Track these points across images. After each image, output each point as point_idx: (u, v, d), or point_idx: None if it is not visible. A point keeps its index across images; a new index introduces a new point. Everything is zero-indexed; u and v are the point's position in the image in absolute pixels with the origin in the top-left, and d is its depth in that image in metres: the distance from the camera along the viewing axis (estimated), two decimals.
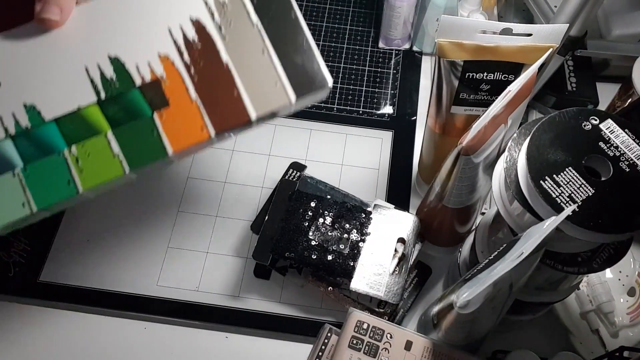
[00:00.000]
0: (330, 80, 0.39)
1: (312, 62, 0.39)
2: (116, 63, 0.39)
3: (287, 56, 0.39)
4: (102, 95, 0.38)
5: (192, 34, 0.39)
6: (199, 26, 0.39)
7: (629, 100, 0.56)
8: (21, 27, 0.39)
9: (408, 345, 0.45)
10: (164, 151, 0.38)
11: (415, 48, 0.72)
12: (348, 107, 0.67)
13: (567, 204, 0.35)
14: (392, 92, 0.68)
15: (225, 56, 0.39)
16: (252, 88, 0.39)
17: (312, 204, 0.53)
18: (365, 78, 0.69)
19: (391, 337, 0.45)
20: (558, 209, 0.35)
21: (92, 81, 0.38)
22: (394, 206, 0.54)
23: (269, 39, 0.39)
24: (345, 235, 0.52)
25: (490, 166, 0.46)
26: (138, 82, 0.38)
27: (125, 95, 0.38)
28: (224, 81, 0.39)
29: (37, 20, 0.38)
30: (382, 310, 0.52)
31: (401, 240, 0.52)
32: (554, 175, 0.36)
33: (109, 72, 0.39)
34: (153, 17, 0.39)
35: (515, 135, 0.40)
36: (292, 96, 0.39)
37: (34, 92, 0.38)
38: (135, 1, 0.40)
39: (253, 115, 0.39)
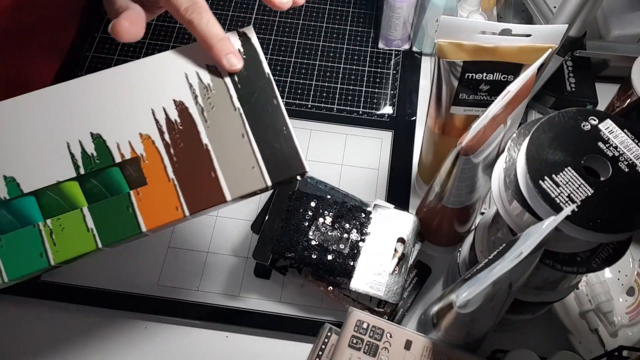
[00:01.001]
0: (306, 167, 0.40)
1: (290, 148, 0.40)
2: (98, 140, 0.39)
3: (266, 141, 0.40)
4: (82, 170, 0.38)
5: (174, 115, 0.40)
6: (182, 108, 0.40)
7: (628, 101, 0.56)
8: (6, 101, 0.39)
9: (408, 345, 0.45)
10: (138, 228, 0.38)
11: (415, 48, 0.72)
12: (348, 107, 0.67)
13: (566, 204, 0.35)
14: (392, 92, 0.68)
15: (205, 139, 0.40)
16: (230, 171, 0.39)
17: (312, 204, 0.53)
18: (365, 78, 0.69)
19: (391, 336, 0.45)
20: (557, 209, 0.35)
21: (72, 156, 0.39)
22: (393, 206, 0.55)
23: (249, 124, 0.40)
24: (345, 235, 0.52)
25: (489, 166, 0.46)
26: (118, 159, 0.39)
27: (104, 172, 0.39)
28: (202, 162, 0.39)
29: (112, 31, 0.39)
30: (382, 309, 0.52)
31: (401, 240, 0.53)
32: (553, 175, 0.36)
33: (90, 148, 0.39)
34: (138, 96, 0.40)
35: (514, 135, 0.40)
36: (268, 180, 0.40)
37: (14, 164, 0.38)
38: (122, 80, 0.40)
39: (228, 196, 0.39)
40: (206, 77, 0.41)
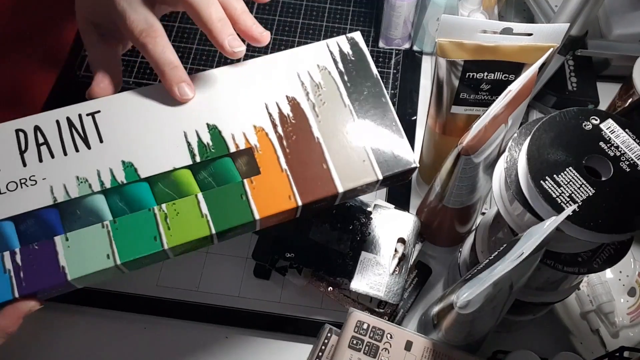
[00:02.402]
0: (416, 162, 0.42)
1: (400, 143, 0.42)
2: (214, 130, 0.41)
3: (376, 135, 0.42)
4: (197, 158, 0.40)
5: (287, 109, 0.42)
6: (294, 103, 0.42)
7: (630, 100, 0.56)
8: (131, 90, 0.41)
9: (408, 346, 0.45)
10: (251, 215, 0.39)
11: (415, 48, 0.72)
12: None
13: (568, 204, 0.35)
14: (392, 92, 0.68)
15: (317, 132, 0.41)
16: (341, 163, 0.41)
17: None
18: None
19: (391, 337, 0.45)
20: (558, 209, 0.35)
21: (189, 145, 0.40)
22: (394, 206, 0.54)
23: (359, 119, 0.42)
24: (345, 235, 0.52)
25: (490, 166, 0.46)
26: (232, 149, 0.40)
27: (218, 161, 0.40)
28: (314, 154, 0.41)
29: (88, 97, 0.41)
30: (382, 310, 0.52)
31: (401, 240, 0.52)
32: (555, 175, 0.36)
33: (206, 138, 0.40)
34: (252, 92, 0.42)
35: (515, 135, 0.40)
36: (379, 173, 0.41)
37: (133, 151, 0.40)
38: (238, 76, 0.42)
39: (340, 188, 0.40)
40: (317, 75, 0.43)
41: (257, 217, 0.39)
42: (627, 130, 0.37)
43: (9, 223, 0.37)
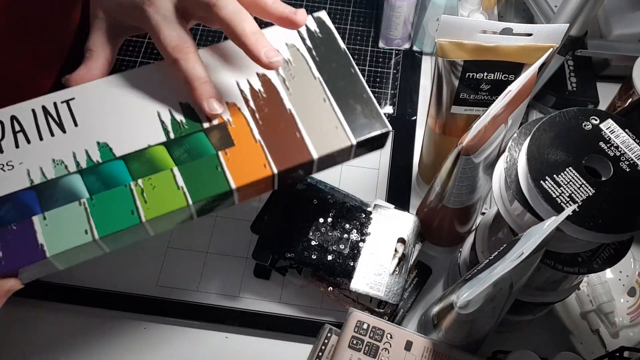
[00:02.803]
0: (389, 127, 0.42)
1: (372, 110, 0.43)
2: (186, 108, 0.42)
3: (347, 104, 0.43)
4: (171, 135, 0.41)
5: (258, 85, 0.43)
6: (264, 79, 0.43)
7: (630, 100, 0.56)
8: (103, 78, 0.42)
9: (408, 346, 0.45)
10: (227, 185, 0.40)
11: (415, 48, 0.72)
12: None
13: (568, 204, 0.35)
14: (392, 92, 0.68)
15: (288, 104, 0.42)
16: (314, 131, 0.42)
17: (312, 204, 0.53)
18: (365, 78, 0.69)
19: (391, 337, 0.45)
20: (558, 209, 0.35)
21: (162, 123, 0.41)
22: (394, 206, 0.54)
23: (329, 90, 0.43)
24: (345, 235, 0.52)
25: (490, 166, 0.46)
26: (206, 124, 0.41)
27: (191, 136, 0.41)
28: (287, 125, 0.42)
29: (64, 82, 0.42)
30: (382, 310, 0.52)
31: (401, 240, 0.52)
32: (554, 175, 0.36)
33: (179, 116, 0.41)
34: (222, 72, 0.43)
35: (515, 135, 0.40)
36: (353, 139, 0.42)
37: (108, 132, 0.41)
38: (208, 58, 0.43)
39: (315, 154, 0.41)
40: (286, 53, 0.44)
41: (233, 186, 0.39)
42: (627, 130, 0.37)
43: None
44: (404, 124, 0.66)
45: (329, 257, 0.51)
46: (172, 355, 0.53)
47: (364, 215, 0.53)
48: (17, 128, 0.40)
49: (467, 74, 0.46)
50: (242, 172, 0.40)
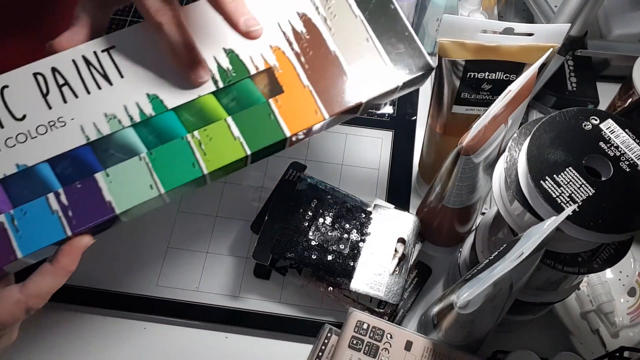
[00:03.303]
0: (432, 64, 0.42)
1: (414, 48, 0.42)
2: (231, 55, 0.41)
3: (389, 43, 0.42)
4: (220, 84, 0.40)
5: (300, 26, 0.42)
6: (305, 19, 0.42)
7: (630, 100, 0.56)
8: (139, 24, 0.41)
9: (408, 346, 0.45)
10: (282, 133, 0.40)
11: None
12: None
13: (568, 204, 0.35)
14: None
15: (332, 45, 0.42)
16: (360, 73, 0.41)
17: (312, 204, 0.53)
18: None
19: (391, 337, 0.45)
20: (558, 209, 0.35)
21: (209, 71, 0.40)
22: (394, 206, 0.54)
23: (371, 29, 0.42)
24: (345, 235, 0.52)
25: (490, 166, 0.46)
26: (252, 71, 0.41)
27: (240, 83, 0.40)
28: (333, 68, 0.41)
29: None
30: (382, 310, 0.52)
31: (401, 240, 0.52)
32: (555, 175, 0.36)
33: (225, 63, 0.41)
34: (262, 12, 0.42)
35: (515, 135, 0.40)
36: (399, 79, 0.41)
37: (155, 83, 0.40)
38: (246, 1, 0.42)
39: (363, 98, 0.41)
40: None
41: (287, 134, 0.40)
42: (627, 130, 0.37)
43: (44, 165, 0.38)
44: (404, 124, 0.66)
45: (329, 257, 0.51)
46: (171, 356, 0.53)
47: (364, 215, 0.53)
48: (61, 81, 0.40)
49: (469, 73, 0.46)
50: (295, 120, 0.40)
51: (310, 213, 0.52)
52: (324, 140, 0.64)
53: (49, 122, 0.39)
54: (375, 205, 0.54)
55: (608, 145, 0.37)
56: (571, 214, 0.34)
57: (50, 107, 0.39)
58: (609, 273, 0.55)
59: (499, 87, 0.46)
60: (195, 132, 0.39)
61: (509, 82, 0.46)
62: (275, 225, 0.52)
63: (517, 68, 0.46)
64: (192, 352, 0.53)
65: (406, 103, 0.67)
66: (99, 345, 0.53)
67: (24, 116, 0.39)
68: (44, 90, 0.39)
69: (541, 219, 0.36)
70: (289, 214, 0.52)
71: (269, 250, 0.51)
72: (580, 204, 0.35)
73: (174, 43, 0.38)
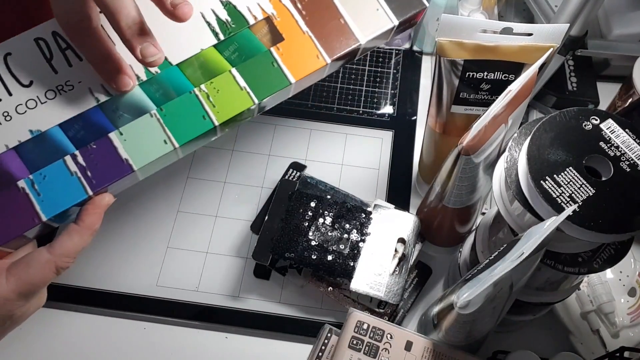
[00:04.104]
0: (426, 3, 0.44)
1: None
2: (229, 6, 0.42)
3: None
4: (221, 36, 0.41)
5: None
6: None
7: (630, 100, 0.56)
8: None
9: (408, 346, 0.45)
10: (287, 80, 0.41)
11: (415, 48, 0.72)
12: (348, 107, 0.67)
13: (568, 204, 0.35)
14: (392, 91, 0.68)
15: None
16: (356, 16, 0.43)
17: (312, 204, 0.53)
18: (365, 78, 0.69)
19: (391, 337, 0.45)
20: (558, 209, 0.35)
21: (209, 24, 0.41)
22: (394, 206, 0.54)
23: None
24: (345, 236, 0.52)
25: (490, 166, 0.46)
26: (251, 21, 0.42)
27: (240, 34, 0.41)
28: (329, 12, 0.43)
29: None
30: (382, 310, 0.52)
31: (401, 240, 0.52)
32: (555, 175, 0.36)
33: (224, 15, 0.42)
34: None
35: (515, 135, 0.40)
36: (394, 20, 0.43)
37: (158, 40, 0.40)
38: None
39: (362, 40, 0.42)
40: None
41: (292, 80, 0.41)
42: (627, 130, 0.37)
43: (57, 130, 0.38)
44: (404, 124, 0.66)
45: (329, 257, 0.51)
46: (171, 356, 0.53)
47: (364, 215, 0.53)
48: (63, 45, 0.40)
49: (468, 73, 0.46)
50: (298, 66, 0.41)
51: (310, 213, 0.52)
52: (324, 140, 0.64)
53: (57, 87, 0.39)
54: (375, 205, 0.54)
55: (608, 145, 0.37)
56: (571, 214, 0.34)
57: (56, 72, 0.39)
58: (609, 273, 0.55)
59: (498, 87, 0.46)
60: (202, 86, 0.40)
61: (508, 82, 0.46)
62: (275, 226, 0.52)
63: (516, 68, 0.46)
64: (191, 353, 0.53)
65: (406, 103, 0.67)
66: (99, 345, 0.53)
67: (31, 82, 0.39)
68: (48, 55, 0.40)
69: (541, 219, 0.36)
70: (289, 214, 0.52)
71: (269, 250, 0.51)
72: (580, 204, 0.35)
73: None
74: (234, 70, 0.41)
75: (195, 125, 0.39)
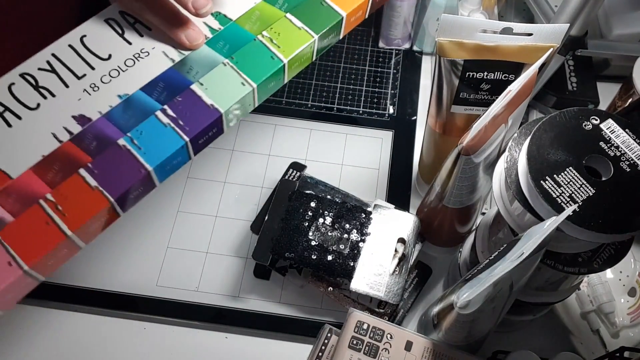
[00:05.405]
0: None
1: None
2: None
3: None
4: None
5: None
6: None
7: (630, 100, 0.56)
8: None
9: (408, 346, 0.45)
10: (339, 14, 0.46)
11: (415, 48, 0.72)
12: (348, 107, 0.67)
13: (568, 204, 0.35)
14: (392, 92, 0.68)
15: None
16: None
17: (312, 204, 0.53)
18: (366, 78, 0.69)
19: (391, 337, 0.45)
20: (558, 209, 0.35)
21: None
22: (394, 206, 0.54)
23: None
24: (345, 235, 0.52)
25: (490, 166, 0.46)
26: None
27: None
28: None
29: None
30: (382, 310, 0.52)
31: (401, 240, 0.52)
32: (555, 175, 0.36)
33: None
34: None
35: (515, 135, 0.40)
36: None
37: (216, 1, 0.46)
38: None
39: None
40: None
41: (343, 14, 0.46)
42: (627, 130, 0.37)
43: (141, 93, 0.42)
44: (404, 124, 0.66)
45: (329, 257, 0.51)
46: (171, 356, 0.53)
47: (364, 215, 0.53)
48: (132, 20, 0.45)
49: (467, 73, 0.46)
50: (344, 1, 0.46)
51: (310, 213, 0.52)
52: (324, 140, 0.64)
53: (134, 55, 0.44)
54: (375, 205, 0.54)
55: (608, 145, 0.37)
56: (571, 214, 0.34)
57: (130, 43, 0.44)
58: (609, 273, 0.55)
59: (498, 87, 0.46)
60: (264, 32, 0.45)
61: (508, 82, 0.46)
62: (275, 226, 0.52)
63: (516, 68, 0.46)
64: (192, 352, 0.53)
65: (406, 103, 0.67)
66: (99, 345, 0.53)
67: (110, 55, 0.44)
68: (120, 31, 0.45)
69: (541, 219, 0.36)
70: (289, 214, 0.52)
71: (269, 250, 0.51)
72: (580, 204, 0.35)
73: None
74: (288, 15, 0.45)
75: (266, 65, 0.43)
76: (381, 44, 0.72)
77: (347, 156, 0.64)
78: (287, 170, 0.59)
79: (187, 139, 0.41)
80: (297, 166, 0.59)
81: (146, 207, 0.59)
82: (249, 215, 0.59)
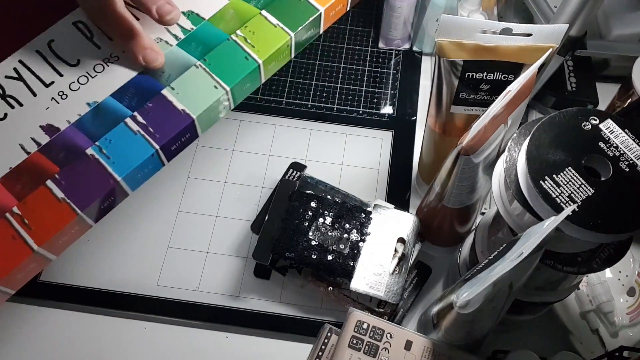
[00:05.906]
0: None
1: None
2: None
3: None
4: None
5: None
6: None
7: (629, 100, 0.56)
8: None
9: (408, 345, 0.45)
10: (316, 9, 0.44)
11: (415, 48, 0.72)
12: (348, 107, 0.67)
13: (567, 204, 0.35)
14: (392, 92, 0.68)
15: None
16: None
17: (312, 204, 0.53)
18: (365, 78, 0.69)
19: (391, 337, 0.45)
20: (558, 209, 0.35)
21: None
22: (394, 206, 0.54)
23: None
24: (345, 235, 0.52)
25: (490, 166, 0.46)
26: None
27: None
28: None
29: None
30: (382, 310, 0.52)
31: (401, 240, 0.52)
32: (554, 175, 0.36)
33: None
34: None
35: (515, 135, 0.40)
36: None
37: (188, 0, 0.44)
38: None
39: None
40: None
41: (321, 9, 0.44)
42: (626, 130, 0.37)
43: (111, 100, 0.41)
44: (404, 124, 0.66)
45: (329, 257, 0.51)
46: (171, 356, 0.53)
47: (364, 215, 0.53)
48: None
49: (467, 73, 0.46)
50: None
51: (310, 213, 0.52)
52: (324, 140, 0.65)
53: (103, 60, 0.42)
54: (375, 205, 0.54)
55: (607, 145, 0.37)
56: (571, 214, 0.34)
57: (99, 47, 0.42)
58: (608, 273, 0.55)
59: (498, 87, 0.46)
60: (238, 31, 0.43)
61: (508, 82, 0.46)
62: (275, 225, 0.52)
63: (515, 68, 0.46)
64: (192, 352, 0.53)
65: (406, 103, 0.67)
66: (99, 345, 0.53)
67: (78, 61, 0.42)
68: (88, 34, 0.43)
69: (541, 219, 0.36)
70: (289, 214, 0.52)
71: (269, 250, 0.52)
72: (579, 204, 0.35)
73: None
74: (264, 12, 0.43)
75: (240, 66, 0.41)
76: (381, 45, 0.72)
77: (347, 156, 0.64)
78: (287, 170, 0.59)
79: (157, 146, 0.39)
80: (297, 166, 0.59)
81: (147, 207, 0.60)
82: (249, 215, 0.59)
